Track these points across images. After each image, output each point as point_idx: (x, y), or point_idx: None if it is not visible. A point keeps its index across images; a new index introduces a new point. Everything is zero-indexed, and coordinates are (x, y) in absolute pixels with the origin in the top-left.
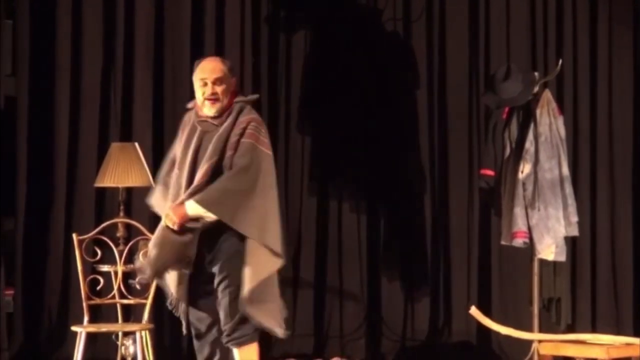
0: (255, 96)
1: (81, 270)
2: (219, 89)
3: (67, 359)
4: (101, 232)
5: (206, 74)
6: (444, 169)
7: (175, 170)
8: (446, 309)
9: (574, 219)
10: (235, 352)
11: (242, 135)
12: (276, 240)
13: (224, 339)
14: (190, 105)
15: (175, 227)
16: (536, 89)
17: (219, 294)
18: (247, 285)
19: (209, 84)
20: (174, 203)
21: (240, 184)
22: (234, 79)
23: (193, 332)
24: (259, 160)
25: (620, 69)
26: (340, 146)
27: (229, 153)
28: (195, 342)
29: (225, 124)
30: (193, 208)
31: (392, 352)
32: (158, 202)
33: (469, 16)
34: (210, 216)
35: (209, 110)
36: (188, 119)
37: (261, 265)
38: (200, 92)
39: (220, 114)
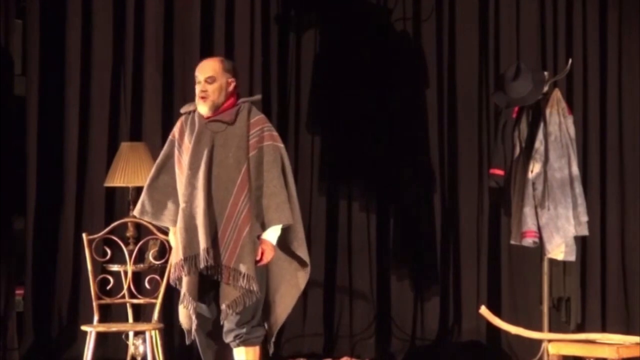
0: (259, 97)
1: (91, 269)
2: (209, 87)
3: (77, 359)
4: (111, 232)
5: (199, 73)
6: (453, 168)
7: (187, 171)
8: (456, 308)
9: (584, 218)
10: (242, 350)
11: (261, 137)
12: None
13: (236, 339)
14: (187, 109)
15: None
16: (546, 88)
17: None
18: (282, 310)
19: (202, 82)
20: (265, 245)
21: (285, 188)
22: (232, 79)
23: (201, 329)
24: (284, 158)
25: (630, 68)
26: (349, 145)
27: (251, 153)
28: (203, 339)
29: (240, 125)
30: (275, 233)
31: (402, 351)
32: (151, 210)
33: (478, 15)
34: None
35: (201, 107)
36: (190, 122)
37: (295, 286)
38: (196, 90)
39: (216, 111)
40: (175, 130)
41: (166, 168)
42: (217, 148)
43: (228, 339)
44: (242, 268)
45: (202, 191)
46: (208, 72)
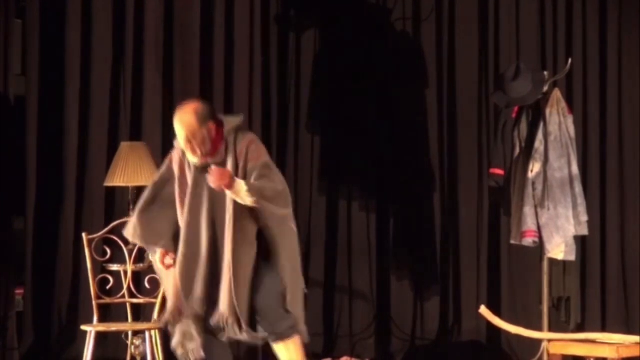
0: (240, 118)
1: (91, 269)
2: (193, 142)
3: (77, 358)
4: (111, 232)
5: (178, 132)
6: (453, 168)
7: (187, 216)
8: (456, 308)
9: (584, 218)
10: (281, 347)
11: (246, 161)
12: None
13: (270, 337)
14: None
15: (215, 187)
16: (546, 88)
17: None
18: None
19: (184, 141)
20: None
21: (275, 184)
22: (212, 123)
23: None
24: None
25: (630, 68)
26: (349, 145)
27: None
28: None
29: (230, 160)
30: (242, 188)
31: (402, 351)
32: (141, 234)
33: (478, 15)
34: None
35: (192, 159)
36: (184, 159)
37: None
38: (181, 144)
39: (206, 157)
40: (175, 164)
41: (162, 196)
42: (214, 190)
43: (271, 337)
44: (241, 312)
45: (205, 236)
46: (185, 130)
